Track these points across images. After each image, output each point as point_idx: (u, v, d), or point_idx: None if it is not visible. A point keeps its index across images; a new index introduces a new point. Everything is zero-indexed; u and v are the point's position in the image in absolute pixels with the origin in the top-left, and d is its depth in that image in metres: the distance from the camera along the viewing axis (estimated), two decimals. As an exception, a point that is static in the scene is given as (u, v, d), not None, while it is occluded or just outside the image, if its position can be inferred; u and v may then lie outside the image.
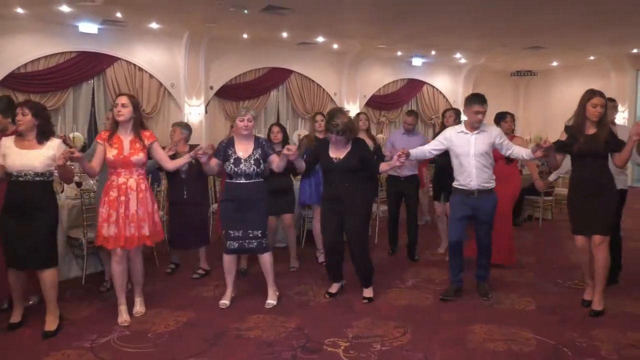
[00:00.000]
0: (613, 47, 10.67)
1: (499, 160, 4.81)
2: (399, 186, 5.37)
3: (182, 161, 3.91)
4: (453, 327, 3.55)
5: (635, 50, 11.09)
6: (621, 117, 12.27)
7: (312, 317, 3.76)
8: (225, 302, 3.99)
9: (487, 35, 9.44)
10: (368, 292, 4.11)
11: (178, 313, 3.81)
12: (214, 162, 3.93)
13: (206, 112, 9.85)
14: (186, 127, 4.82)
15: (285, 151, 3.74)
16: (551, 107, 13.34)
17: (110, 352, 3.17)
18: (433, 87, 13.12)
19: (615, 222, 4.08)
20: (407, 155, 3.82)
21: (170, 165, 3.89)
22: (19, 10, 7.50)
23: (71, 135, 8.10)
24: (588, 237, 3.74)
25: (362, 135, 5.39)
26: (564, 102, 10.65)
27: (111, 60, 8.94)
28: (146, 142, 3.71)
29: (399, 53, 11.53)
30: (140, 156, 3.66)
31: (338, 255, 4.12)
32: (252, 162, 3.88)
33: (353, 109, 11.54)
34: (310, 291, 4.31)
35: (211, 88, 9.98)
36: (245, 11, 7.59)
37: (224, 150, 3.94)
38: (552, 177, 5.26)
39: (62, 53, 8.46)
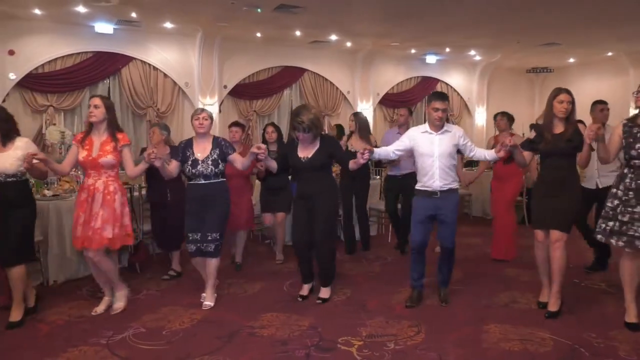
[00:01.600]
0: (631, 43, 10.47)
1: (498, 160, 4.82)
2: (397, 185, 5.38)
3: (141, 167, 3.80)
4: (467, 327, 3.52)
5: (654, 46, 10.88)
6: None
7: (326, 315, 3.75)
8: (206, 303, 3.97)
9: (502, 32, 9.33)
10: (325, 293, 4.05)
11: (192, 311, 3.84)
12: (174, 164, 3.91)
13: (220, 111, 9.90)
14: (165, 127, 4.75)
15: (254, 149, 3.67)
16: (567, 105, 13.15)
17: (126, 349, 3.21)
18: (447, 84, 13.01)
19: (577, 215, 3.94)
20: (371, 152, 3.73)
21: (132, 172, 3.78)
22: (36, 11, 7.61)
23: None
24: (547, 232, 3.68)
25: (354, 137, 5.41)
26: (581, 99, 10.36)
27: (126, 60, 9.03)
28: (119, 145, 3.69)
29: (413, 51, 11.45)
30: (108, 158, 3.62)
31: (308, 255, 4.04)
32: (210, 162, 3.85)
33: (366, 107, 11.51)
34: (323, 290, 4.31)
35: (225, 87, 10.02)
36: (258, 10, 7.60)
37: (182, 151, 3.92)
38: None
39: (78, 53, 8.56)
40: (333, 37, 9.87)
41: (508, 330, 3.45)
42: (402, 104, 12.32)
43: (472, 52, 11.74)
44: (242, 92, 10.32)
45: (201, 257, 3.93)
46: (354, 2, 7.35)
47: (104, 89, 9.05)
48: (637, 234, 3.27)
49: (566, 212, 3.60)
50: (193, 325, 3.59)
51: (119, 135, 3.73)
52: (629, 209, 3.31)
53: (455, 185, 3.83)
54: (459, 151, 3.92)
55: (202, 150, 3.89)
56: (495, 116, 5.55)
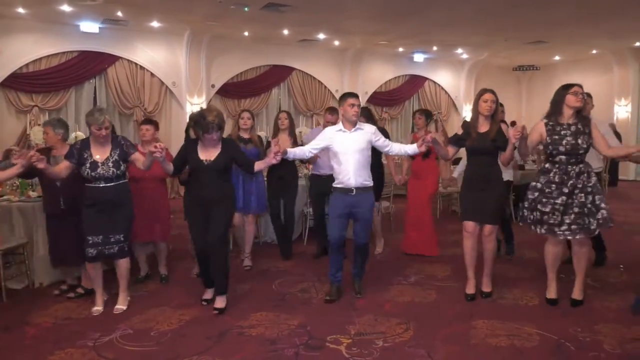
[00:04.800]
0: (616, 41, 10.62)
1: (416, 156, 4.86)
2: (321, 186, 5.01)
3: (12, 172, 3.44)
4: (455, 323, 3.55)
5: (638, 44, 11.04)
6: (624, 111, 12.25)
7: (315, 314, 3.76)
8: (98, 308, 3.81)
9: (489, 30, 9.41)
10: (220, 302, 3.83)
11: (181, 311, 3.82)
12: (63, 165, 3.65)
13: (208, 110, 9.87)
14: (60, 124, 4.08)
15: (151, 148, 3.50)
16: (554, 102, 13.30)
17: (113, 351, 3.18)
18: (435, 83, 13.08)
19: (503, 207, 4.42)
20: (284, 153, 3.77)
21: None
22: (20, 10, 7.52)
23: (74, 135, 8.14)
24: (478, 224, 3.96)
25: (283, 136, 5.10)
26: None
27: (112, 59, 8.96)
28: None
29: (401, 49, 11.49)
30: None
31: (208, 259, 3.84)
32: (111, 164, 3.67)
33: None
34: (312, 288, 4.32)
35: (213, 86, 9.99)
36: (246, 9, 7.58)
37: (78, 153, 3.66)
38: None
39: (63, 53, 8.49)
40: (321, 36, 9.87)
41: (495, 326, 3.48)
42: (391, 102, 12.40)
43: (460, 51, 11.82)
44: (230, 91, 10.30)
45: (102, 260, 3.77)
46: (342, 0, 7.36)
47: (90, 88, 9.00)
48: (556, 222, 3.61)
49: (494, 206, 3.93)
50: (181, 325, 3.57)
51: None
52: (551, 200, 3.61)
53: (369, 183, 3.98)
54: (428, 153, 3.95)
55: (101, 152, 3.68)
56: (414, 114, 5.53)
